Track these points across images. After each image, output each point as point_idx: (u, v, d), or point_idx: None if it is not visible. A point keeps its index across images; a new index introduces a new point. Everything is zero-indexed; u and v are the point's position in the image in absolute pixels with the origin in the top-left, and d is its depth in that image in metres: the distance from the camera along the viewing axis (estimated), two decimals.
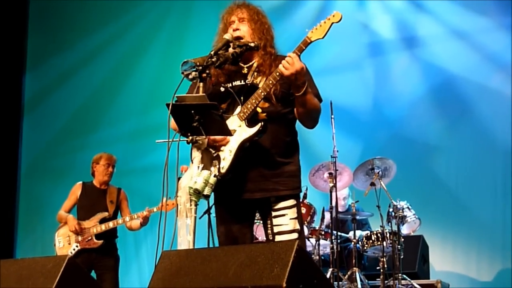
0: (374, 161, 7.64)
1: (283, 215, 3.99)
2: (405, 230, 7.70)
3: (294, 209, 4.02)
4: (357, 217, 7.82)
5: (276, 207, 4.00)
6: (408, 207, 7.54)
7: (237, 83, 4.07)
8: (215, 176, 3.75)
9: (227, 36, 3.92)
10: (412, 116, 9.60)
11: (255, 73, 4.04)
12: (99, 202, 7.31)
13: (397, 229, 7.32)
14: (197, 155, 3.76)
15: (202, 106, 3.63)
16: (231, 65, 4.04)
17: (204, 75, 3.72)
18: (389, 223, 7.38)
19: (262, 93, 3.84)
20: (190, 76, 3.72)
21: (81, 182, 7.48)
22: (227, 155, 3.89)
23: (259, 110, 3.95)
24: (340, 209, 8.06)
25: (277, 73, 3.79)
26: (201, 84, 3.71)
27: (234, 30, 4.04)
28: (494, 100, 9.17)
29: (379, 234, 7.41)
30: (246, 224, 4.15)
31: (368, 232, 7.67)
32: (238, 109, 3.94)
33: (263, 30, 4.08)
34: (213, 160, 3.88)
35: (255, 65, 4.08)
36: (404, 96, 9.73)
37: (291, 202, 4.02)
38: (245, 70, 4.09)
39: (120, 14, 11.14)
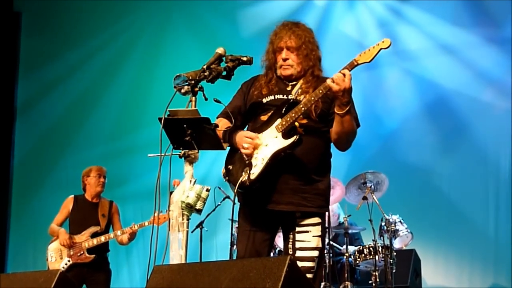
0: (366, 175, 7.65)
1: (307, 231, 4.02)
2: (397, 244, 7.69)
3: (319, 227, 4.05)
4: (349, 231, 7.81)
5: (301, 223, 4.03)
6: (400, 221, 7.54)
7: (279, 96, 4.12)
8: (242, 182, 3.88)
9: (219, 50, 3.93)
10: (404, 130, 9.63)
11: (299, 91, 4.09)
12: (91, 216, 7.28)
13: (389, 243, 7.32)
14: (189, 169, 3.76)
15: (194, 120, 3.64)
16: (277, 80, 4.16)
17: (197, 89, 3.72)
18: (381, 237, 7.38)
19: (303, 108, 3.90)
20: (183, 90, 3.73)
21: (72, 196, 7.45)
22: (259, 162, 3.94)
23: (297, 124, 3.99)
24: (332, 225, 8.05)
25: (322, 89, 3.83)
26: (194, 98, 3.72)
27: (283, 60, 4.10)
28: (486, 114, 9.21)
29: (371, 248, 7.40)
30: (268, 235, 4.15)
31: (361, 246, 7.66)
32: (278, 121, 3.99)
33: (311, 56, 4.13)
34: (245, 167, 3.94)
35: (299, 85, 4.12)
36: (396, 110, 9.76)
37: (316, 219, 4.06)
38: (289, 87, 4.14)
39: (107, 26, 11.33)
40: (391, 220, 7.43)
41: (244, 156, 4.00)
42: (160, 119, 3.67)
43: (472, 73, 9.40)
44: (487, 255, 8.86)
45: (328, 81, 3.77)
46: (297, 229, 4.02)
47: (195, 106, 3.71)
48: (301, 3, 10.29)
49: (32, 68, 11.50)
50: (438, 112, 9.49)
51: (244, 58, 3.99)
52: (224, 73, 3.87)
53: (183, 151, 3.74)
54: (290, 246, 4.02)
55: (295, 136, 3.90)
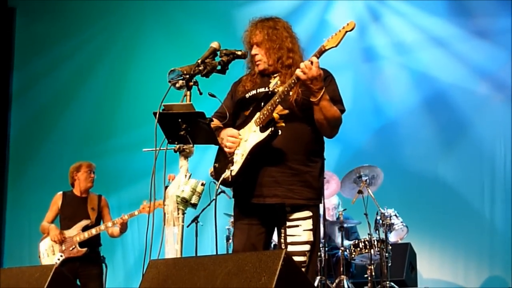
0: (361, 169, 7.64)
1: (297, 225, 4.00)
2: (392, 237, 7.70)
3: (309, 221, 4.02)
4: (346, 225, 7.82)
5: (291, 217, 4.01)
6: (395, 215, 7.54)
7: (261, 90, 4.12)
8: (227, 178, 3.89)
9: (214, 45, 3.92)
10: (399, 123, 9.63)
11: (278, 82, 4.08)
12: (80, 210, 7.29)
13: (384, 237, 7.32)
14: (184, 163, 3.76)
15: (189, 114, 3.63)
16: (260, 75, 4.18)
17: (191, 83, 3.71)
18: (377, 231, 7.39)
19: (277, 99, 3.87)
20: (177, 85, 3.72)
21: (61, 192, 7.47)
22: (238, 158, 3.95)
23: (276, 116, 3.98)
24: (329, 219, 8.06)
25: (294, 78, 3.81)
26: (188, 92, 3.71)
27: (253, 56, 4.14)
28: (482, 107, 9.22)
29: (366, 242, 7.41)
30: (262, 229, 4.14)
31: (356, 240, 7.67)
32: (257, 115, 3.99)
33: (277, 46, 4.11)
34: (228, 164, 3.96)
35: (278, 77, 4.12)
36: (392, 103, 9.77)
37: (307, 213, 4.02)
38: (272, 79, 4.15)
39: (93, 21, 11.60)
40: (386, 214, 7.43)
41: (227, 154, 4.01)
42: (155, 113, 3.66)
43: (468, 66, 9.41)
44: (482, 248, 8.88)
45: (297, 71, 3.76)
46: (288, 223, 4.01)
47: (189, 101, 3.70)
48: (294, 3, 10.31)
49: (26, 59, 11.79)
50: (434, 105, 9.49)
51: (239, 52, 3.99)
52: (219, 67, 3.87)
53: (178, 146, 3.74)
54: (282, 241, 4.01)
55: (270, 129, 3.87)
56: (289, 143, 3.98)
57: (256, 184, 4.00)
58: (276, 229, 4.18)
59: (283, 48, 4.11)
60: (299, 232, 3.99)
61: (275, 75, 4.15)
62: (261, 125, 3.93)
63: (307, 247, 3.98)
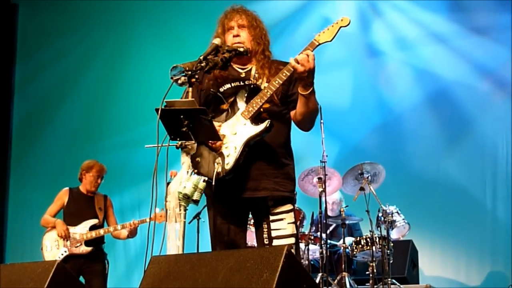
0: (363, 166, 7.65)
1: (282, 219, 3.99)
2: (394, 234, 7.71)
3: (291, 214, 4.03)
4: (348, 222, 7.82)
5: (275, 211, 4.00)
6: (397, 212, 7.55)
7: (236, 84, 4.08)
8: (217, 173, 3.81)
9: (216, 41, 3.91)
10: (401, 120, 9.63)
11: (256, 75, 4.07)
12: (87, 209, 7.29)
13: (386, 234, 7.33)
14: (186, 160, 3.75)
15: (191, 111, 3.62)
16: (229, 69, 4.09)
17: (193, 80, 3.70)
18: (379, 228, 7.40)
19: (268, 92, 3.87)
20: (179, 81, 3.70)
21: (67, 188, 7.46)
22: (232, 151, 3.88)
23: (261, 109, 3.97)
24: (331, 214, 8.06)
25: (286, 72, 3.82)
26: (190, 89, 3.70)
27: (234, 36, 4.08)
28: (484, 105, 9.23)
29: (368, 239, 7.42)
30: (243, 226, 4.14)
31: (358, 236, 7.68)
32: (242, 108, 3.95)
33: (261, 35, 4.12)
34: (216, 158, 3.89)
35: (253, 69, 4.10)
36: (394, 100, 9.76)
37: (289, 206, 4.04)
38: (243, 74, 4.11)
39: (90, 19, 11.69)
40: (388, 211, 7.44)
41: (214, 147, 3.93)
42: (157, 110, 3.65)
43: (469, 63, 9.44)
44: (484, 245, 8.89)
45: (293, 63, 3.75)
46: (271, 217, 3.98)
47: (192, 97, 3.69)
48: (295, 3, 10.31)
49: (29, 52, 11.91)
50: (436, 102, 9.51)
51: (241, 49, 3.98)
52: (221, 64, 3.86)
53: (180, 142, 3.73)
54: (265, 236, 3.98)
55: (266, 121, 3.86)
56: (274, 136, 3.97)
57: (243, 178, 3.95)
58: (254, 223, 4.16)
59: (266, 39, 4.14)
60: (284, 225, 3.98)
61: (244, 68, 4.13)
62: (250, 118, 3.90)
63: (292, 240, 3.97)
